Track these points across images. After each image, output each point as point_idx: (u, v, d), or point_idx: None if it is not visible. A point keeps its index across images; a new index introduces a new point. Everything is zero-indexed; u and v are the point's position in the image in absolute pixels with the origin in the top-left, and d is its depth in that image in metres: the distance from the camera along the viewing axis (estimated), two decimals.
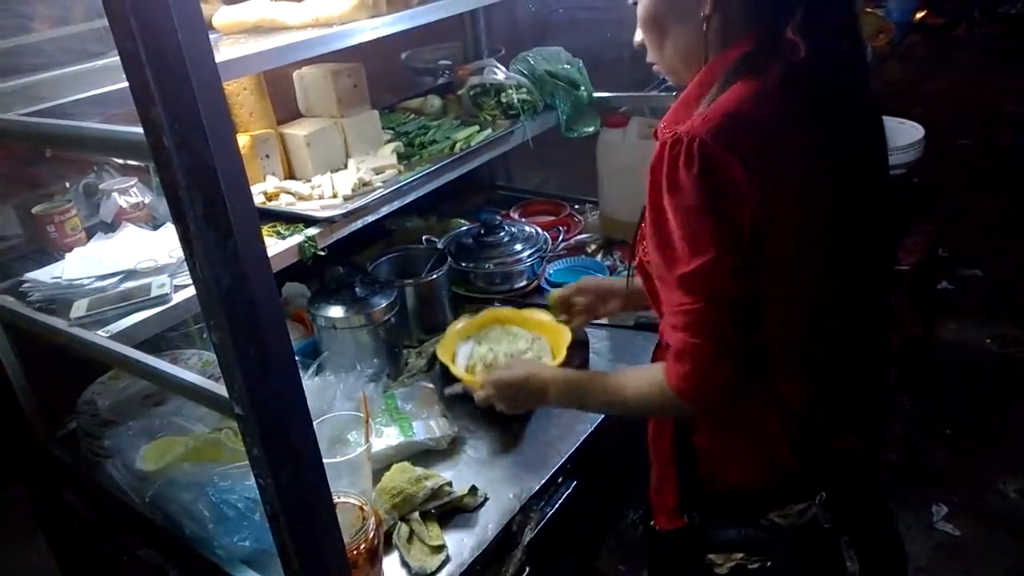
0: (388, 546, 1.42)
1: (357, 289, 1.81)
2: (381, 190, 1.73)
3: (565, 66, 2.25)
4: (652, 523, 1.35)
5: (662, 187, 1.03)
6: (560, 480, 1.59)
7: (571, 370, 1.42)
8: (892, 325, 1.25)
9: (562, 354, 1.64)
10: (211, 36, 1.46)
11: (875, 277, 1.17)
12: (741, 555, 1.20)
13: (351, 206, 1.65)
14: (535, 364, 1.49)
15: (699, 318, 1.04)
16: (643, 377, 1.17)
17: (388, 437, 1.61)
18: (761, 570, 1.20)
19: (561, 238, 2.39)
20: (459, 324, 1.78)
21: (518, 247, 2.22)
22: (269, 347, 0.87)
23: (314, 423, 1.11)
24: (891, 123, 2.89)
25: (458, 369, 1.61)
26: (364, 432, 1.40)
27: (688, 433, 1.22)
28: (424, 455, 1.62)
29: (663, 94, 2.22)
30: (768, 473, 1.19)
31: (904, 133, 3.03)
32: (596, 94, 2.28)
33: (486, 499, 1.51)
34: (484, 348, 1.69)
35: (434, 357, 1.90)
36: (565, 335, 1.68)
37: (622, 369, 1.27)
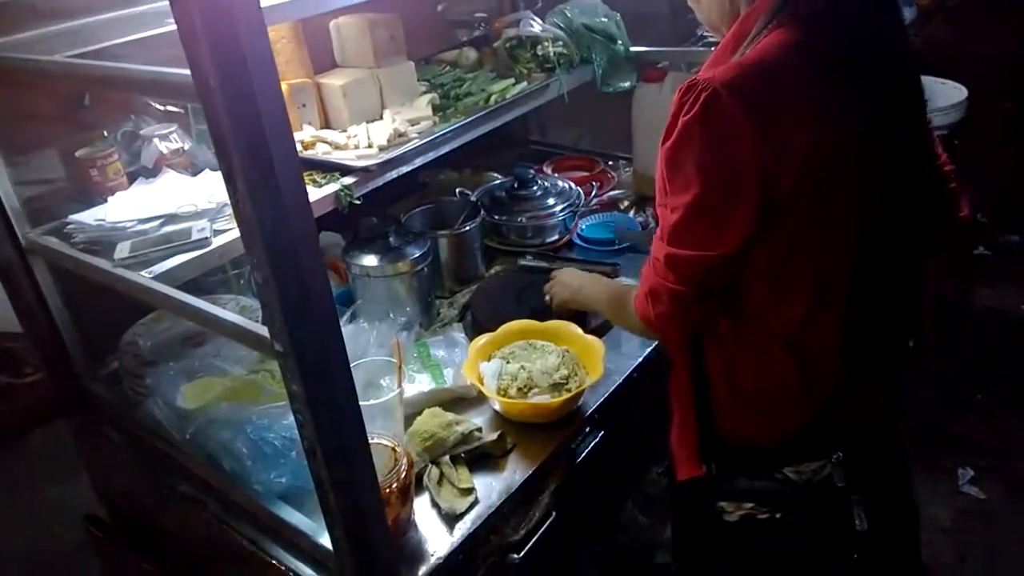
0: (419, 487, 1.44)
1: (391, 239, 1.81)
2: (416, 141, 1.72)
3: (602, 19, 2.22)
4: (675, 476, 1.37)
5: (668, 134, 1.04)
6: (588, 430, 1.60)
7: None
8: (918, 290, 1.24)
9: (598, 370, 1.56)
10: None
11: (899, 239, 1.16)
12: (751, 505, 1.22)
13: (386, 156, 1.65)
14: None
15: (676, 295, 1.10)
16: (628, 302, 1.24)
17: (420, 384, 1.61)
18: (770, 521, 1.21)
19: (594, 194, 2.36)
20: (481, 340, 1.67)
21: (551, 201, 2.21)
22: (308, 286, 0.89)
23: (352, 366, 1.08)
24: (933, 83, 2.87)
25: (490, 391, 1.54)
26: (396, 377, 1.41)
27: (708, 387, 1.22)
28: (455, 403, 1.62)
29: (701, 49, 2.21)
30: (785, 431, 1.20)
31: (946, 93, 2.95)
32: (633, 48, 2.26)
33: (514, 446, 1.52)
34: (515, 367, 1.59)
35: (466, 307, 1.93)
36: (598, 349, 1.62)
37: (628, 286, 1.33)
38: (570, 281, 1.63)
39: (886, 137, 1.07)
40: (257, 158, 0.82)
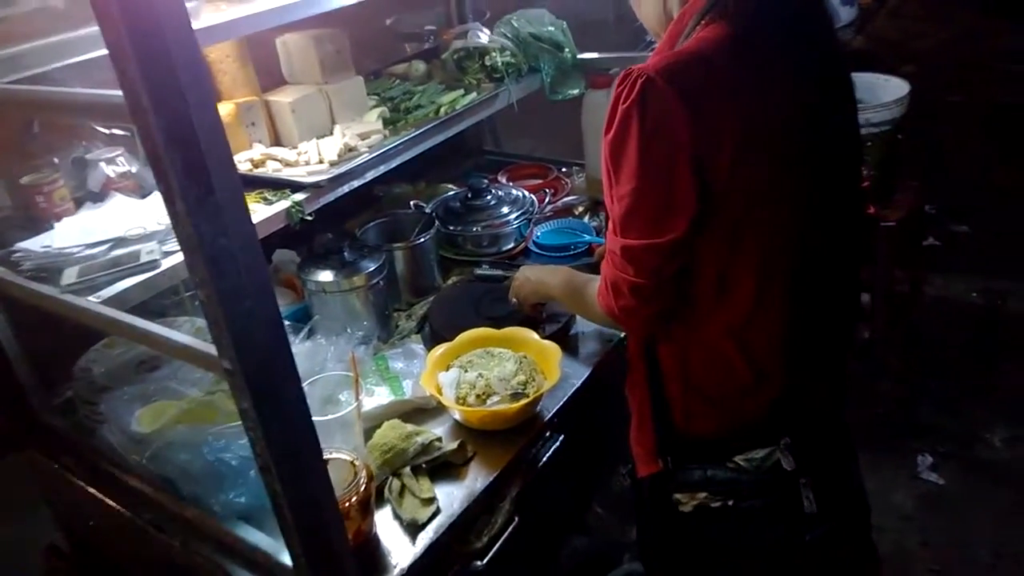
0: (380, 500, 1.43)
1: (346, 254, 1.80)
2: (367, 155, 1.73)
3: (549, 28, 2.24)
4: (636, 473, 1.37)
5: (609, 125, 1.05)
6: (548, 434, 1.60)
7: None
8: (858, 277, 1.31)
9: (555, 374, 1.57)
10: (192, 3, 1.50)
11: (837, 226, 1.18)
12: (704, 495, 1.24)
13: (337, 171, 1.66)
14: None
15: (635, 288, 1.11)
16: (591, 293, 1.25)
17: (379, 397, 1.60)
18: (722, 509, 1.23)
19: (548, 200, 2.37)
20: (438, 351, 1.66)
21: (505, 210, 2.20)
22: (253, 301, 0.89)
23: (305, 384, 1.15)
24: (876, 79, 2.93)
25: (448, 400, 1.54)
26: (354, 391, 1.41)
27: (662, 384, 1.24)
28: (415, 414, 1.61)
29: (647, 54, 2.12)
30: (738, 423, 1.22)
31: (889, 89, 3.02)
32: (580, 56, 2.27)
33: (474, 454, 1.52)
34: (473, 375, 1.58)
35: (424, 319, 1.92)
36: (554, 353, 1.62)
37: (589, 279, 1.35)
38: (529, 275, 1.65)
39: (819, 127, 1.09)
40: (194, 175, 0.82)
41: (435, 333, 1.81)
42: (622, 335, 1.72)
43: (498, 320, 1.77)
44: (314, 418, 1.02)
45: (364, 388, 1.52)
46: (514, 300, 1.73)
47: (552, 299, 1.62)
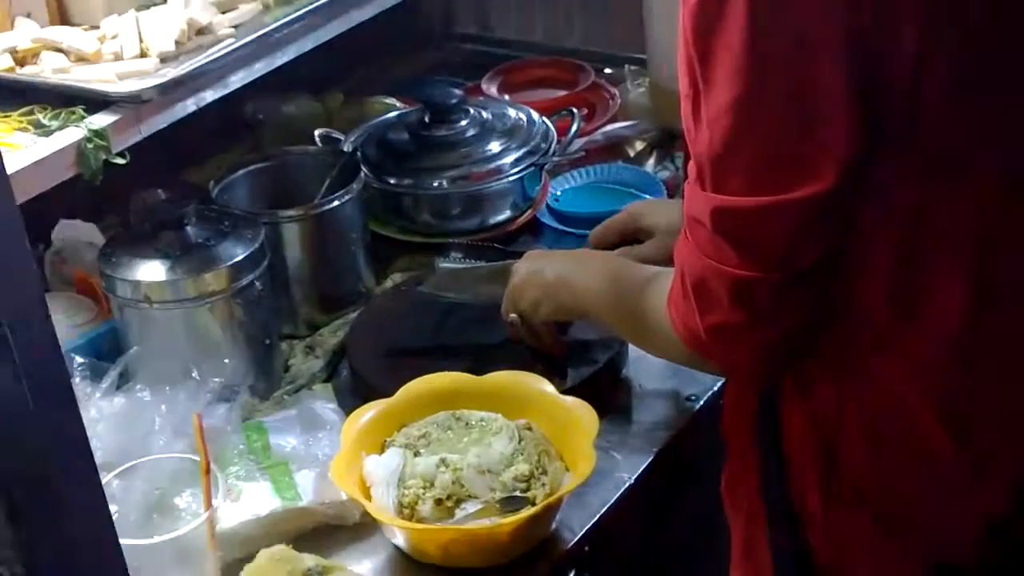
0: None
1: (190, 230, 1.44)
2: (231, 42, 1.41)
3: None
4: None
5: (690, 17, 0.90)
6: None
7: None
8: None
9: (586, 461, 1.24)
10: None
11: None
12: None
13: (175, 72, 1.36)
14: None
15: (742, 286, 0.92)
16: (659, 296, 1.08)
17: (253, 500, 1.34)
18: None
19: (576, 129, 1.76)
20: (366, 415, 1.35)
21: (494, 147, 1.68)
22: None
23: (109, 477, 1.15)
24: None
25: (382, 509, 1.26)
26: (203, 491, 1.21)
27: (787, 477, 1.03)
28: (319, 533, 1.34)
29: None
30: (918, 551, 1.02)
31: None
32: None
33: None
34: (430, 462, 1.30)
35: (338, 354, 1.54)
36: (582, 420, 1.28)
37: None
38: (540, 269, 1.38)
39: None
40: None
41: (360, 381, 1.47)
42: (717, 384, 1.41)
43: (480, 357, 1.46)
44: (125, 541, 0.88)
45: (224, 485, 1.28)
46: (512, 317, 1.42)
47: (584, 314, 1.37)
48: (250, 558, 1.23)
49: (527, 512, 1.20)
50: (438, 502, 1.22)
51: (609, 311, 1.26)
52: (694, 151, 0.93)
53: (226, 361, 1.39)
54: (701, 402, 1.38)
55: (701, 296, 0.95)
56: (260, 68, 1.40)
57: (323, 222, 1.53)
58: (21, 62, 1.34)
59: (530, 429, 1.29)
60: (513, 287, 1.38)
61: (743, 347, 0.97)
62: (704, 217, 0.92)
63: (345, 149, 1.69)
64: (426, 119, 1.70)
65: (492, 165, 1.66)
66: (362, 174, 1.57)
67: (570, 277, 1.31)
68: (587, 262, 1.34)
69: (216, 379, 1.34)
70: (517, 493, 1.22)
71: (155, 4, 1.43)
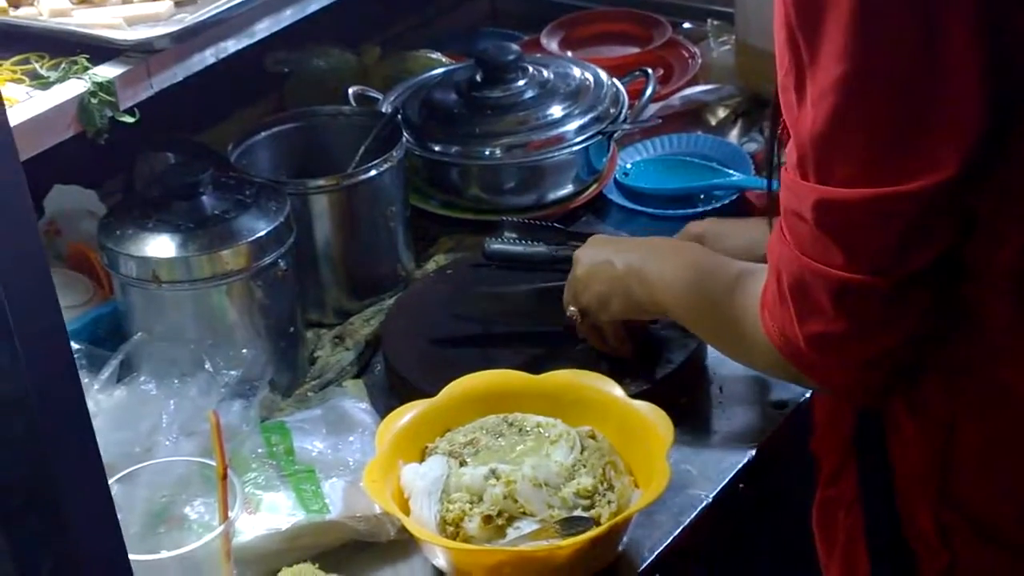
0: None
1: (205, 199, 1.34)
2: None
3: None
4: None
5: None
6: None
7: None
8: None
9: (658, 476, 1.13)
10: None
11: None
12: None
13: (193, 18, 1.25)
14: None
15: (848, 290, 0.87)
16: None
17: (274, 512, 1.26)
18: None
19: (650, 93, 1.62)
20: (405, 417, 1.26)
21: (555, 111, 1.57)
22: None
23: (114, 481, 1.09)
24: None
25: (423, 526, 1.16)
26: (219, 500, 1.10)
27: (895, 511, 0.97)
28: (350, 550, 1.26)
29: None
30: None
31: None
32: None
33: None
34: (478, 473, 1.20)
35: (371, 346, 1.44)
36: (658, 431, 1.19)
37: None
38: (608, 258, 1.27)
39: None
40: None
41: (397, 378, 1.38)
42: (805, 394, 1.30)
43: (536, 353, 1.37)
44: (134, 557, 0.83)
45: (241, 493, 1.17)
46: (572, 311, 1.31)
47: (660, 313, 1.26)
48: (275, 574, 1.17)
49: (590, 533, 1.12)
50: (487, 519, 1.14)
51: (690, 311, 1.18)
52: (795, 134, 0.86)
53: (244, 351, 1.31)
54: (792, 410, 1.27)
55: (800, 301, 0.90)
56: (289, 16, 1.32)
57: (357, 194, 1.43)
58: (15, 3, 1.26)
59: (594, 438, 1.20)
60: (575, 278, 1.28)
61: (847, 361, 0.91)
62: (805, 210, 0.86)
63: (383, 110, 1.58)
64: (477, 78, 1.59)
65: (553, 132, 1.55)
66: (403, 140, 1.46)
67: (644, 269, 1.22)
68: (664, 252, 1.25)
69: (232, 372, 1.28)
70: (579, 512, 1.14)
71: None
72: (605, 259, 1.26)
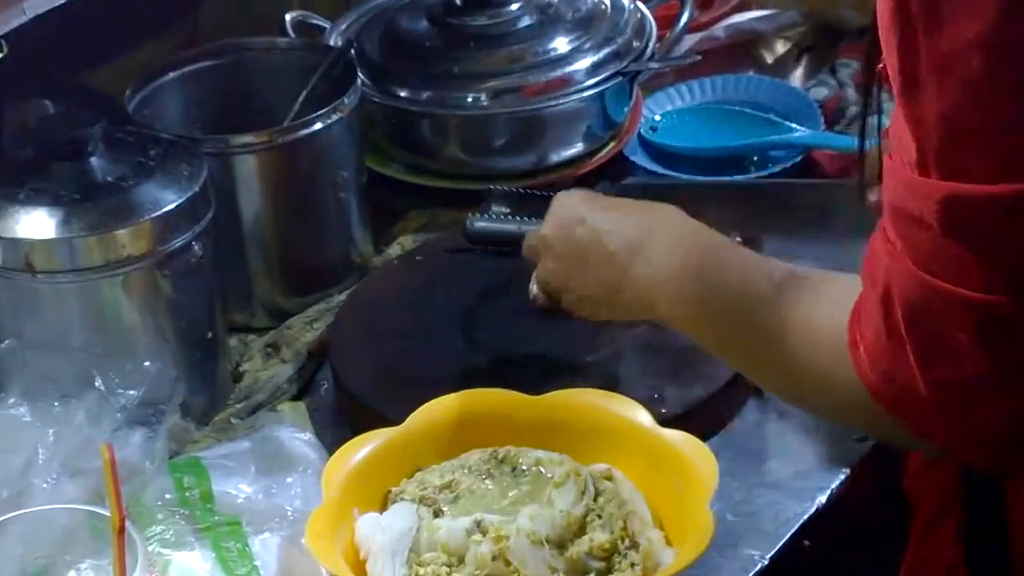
0: None
1: (94, 162, 1.15)
2: None
3: None
4: None
5: None
6: None
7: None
8: None
9: (699, 529, 1.01)
10: None
11: None
12: None
13: None
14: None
15: (991, 320, 0.74)
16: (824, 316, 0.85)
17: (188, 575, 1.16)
18: None
19: (686, 20, 1.43)
20: (361, 451, 1.08)
21: (560, 44, 1.37)
22: None
23: None
24: None
25: None
26: (114, 561, 0.97)
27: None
28: None
29: None
30: None
31: None
32: None
33: None
34: (459, 525, 1.01)
35: (317, 355, 1.25)
36: (694, 470, 1.01)
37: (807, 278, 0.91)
38: (577, 217, 1.09)
39: None
40: None
41: (350, 399, 1.19)
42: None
43: (536, 366, 1.18)
44: None
45: (144, 552, 1.00)
46: (535, 293, 1.13)
47: (649, 314, 1.08)
48: None
49: None
50: None
51: (698, 315, 0.98)
52: (907, 114, 0.74)
53: (146, 364, 1.13)
54: (873, 442, 1.08)
55: (925, 336, 0.77)
56: None
57: (297, 155, 1.20)
58: None
59: (611, 479, 1.04)
60: (538, 241, 1.09)
61: (983, 416, 0.78)
62: (927, 212, 0.74)
63: (331, 43, 1.36)
64: (456, 1, 1.36)
65: (556, 73, 1.32)
66: (357, 82, 1.24)
67: (646, 251, 1.01)
68: (659, 221, 1.03)
69: (131, 391, 1.12)
70: None
71: None
72: (572, 219, 1.08)
